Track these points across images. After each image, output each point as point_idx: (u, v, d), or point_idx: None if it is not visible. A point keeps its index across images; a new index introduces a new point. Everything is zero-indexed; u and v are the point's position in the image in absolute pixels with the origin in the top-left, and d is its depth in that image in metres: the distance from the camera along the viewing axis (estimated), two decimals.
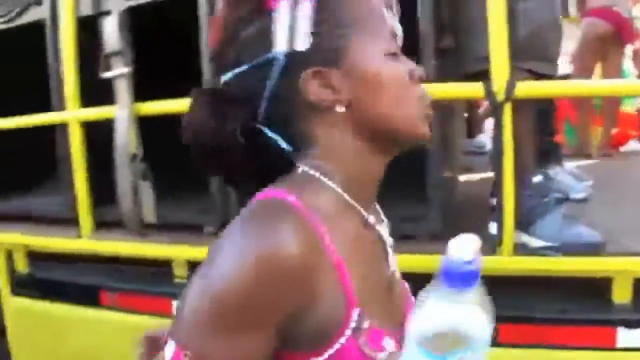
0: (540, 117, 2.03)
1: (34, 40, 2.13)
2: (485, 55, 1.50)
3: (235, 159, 0.70)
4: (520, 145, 1.56)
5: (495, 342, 1.49)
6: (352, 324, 0.63)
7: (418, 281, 1.53)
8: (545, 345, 1.50)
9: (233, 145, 0.68)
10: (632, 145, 3.86)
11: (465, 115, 3.12)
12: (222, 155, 0.69)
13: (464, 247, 0.55)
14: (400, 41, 0.72)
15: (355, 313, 0.63)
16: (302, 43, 0.66)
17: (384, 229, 0.76)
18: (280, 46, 0.67)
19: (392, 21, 0.72)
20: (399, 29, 0.72)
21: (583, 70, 3.48)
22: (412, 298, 0.81)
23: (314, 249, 0.61)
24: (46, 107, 2.13)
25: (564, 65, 4.45)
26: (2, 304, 2.29)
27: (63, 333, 2.09)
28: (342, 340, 0.62)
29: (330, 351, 0.62)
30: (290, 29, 0.66)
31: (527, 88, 1.50)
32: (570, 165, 2.40)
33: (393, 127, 0.69)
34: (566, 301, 1.55)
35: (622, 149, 3.78)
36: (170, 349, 0.60)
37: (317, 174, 0.68)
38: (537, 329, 1.52)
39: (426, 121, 0.71)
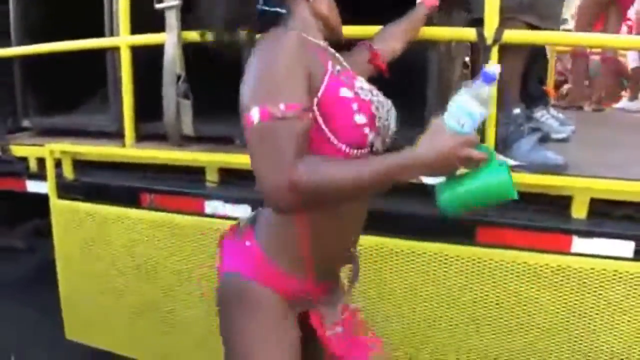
0: (531, 64, 2.35)
1: None
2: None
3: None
4: (506, 83, 1.87)
5: (474, 242, 1.85)
6: (330, 68, 1.13)
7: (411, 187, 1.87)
8: (514, 247, 1.82)
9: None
10: (623, 103, 4.15)
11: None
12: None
13: (495, 67, 1.05)
14: None
15: (329, 64, 1.14)
16: None
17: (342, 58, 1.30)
18: None
19: None
20: None
21: (582, 28, 3.79)
22: None
23: (305, 40, 1.14)
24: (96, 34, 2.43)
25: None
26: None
27: (104, 231, 2.39)
28: (327, 76, 1.12)
29: (325, 82, 1.11)
30: None
31: (513, 35, 1.80)
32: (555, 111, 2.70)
33: (328, 20, 1.31)
34: (534, 213, 1.88)
35: (614, 105, 4.09)
36: (255, 112, 1.02)
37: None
38: (508, 232, 1.84)
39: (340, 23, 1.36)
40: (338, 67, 1.17)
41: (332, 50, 1.30)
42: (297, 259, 1.23)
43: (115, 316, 2.49)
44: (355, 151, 1.14)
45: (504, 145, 1.89)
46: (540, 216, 1.87)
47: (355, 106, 1.12)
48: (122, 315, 2.47)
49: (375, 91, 1.21)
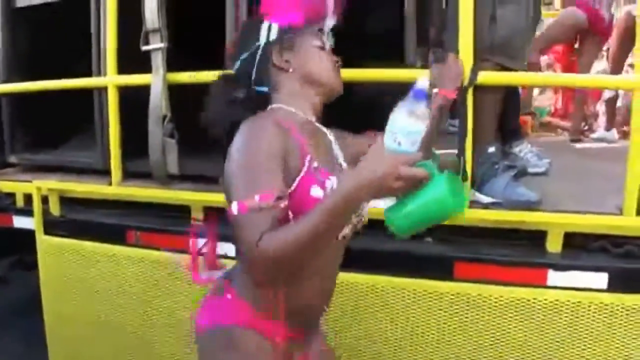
0: (508, 101, 2.43)
1: (77, 13, 2.48)
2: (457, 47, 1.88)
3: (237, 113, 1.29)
4: (482, 123, 1.95)
5: (451, 277, 1.91)
6: (307, 163, 1.19)
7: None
8: (490, 281, 1.88)
9: (237, 103, 1.31)
10: (600, 133, 4.22)
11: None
12: (232, 109, 1.30)
13: (424, 81, 1.07)
14: (328, 40, 1.40)
15: (307, 159, 1.20)
16: (272, 37, 1.32)
17: (329, 132, 1.38)
18: (262, 39, 1.32)
19: (323, 26, 1.40)
20: (328, 35, 1.41)
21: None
22: None
23: (284, 130, 1.19)
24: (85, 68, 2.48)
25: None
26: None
27: (90, 267, 2.43)
28: (303, 172, 1.18)
29: (299, 177, 1.17)
30: (267, 30, 1.32)
31: (486, 77, 1.87)
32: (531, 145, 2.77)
33: (317, 79, 1.33)
34: (510, 247, 1.94)
35: (591, 135, 4.19)
36: (234, 206, 1.10)
37: (282, 105, 1.31)
38: (485, 267, 1.90)
39: (337, 77, 1.36)
40: (315, 164, 1.21)
41: (322, 130, 1.37)
42: (276, 309, 1.27)
43: (100, 354, 2.51)
44: None
45: (480, 183, 1.96)
46: (516, 251, 1.93)
47: None
48: (108, 353, 2.49)
49: None
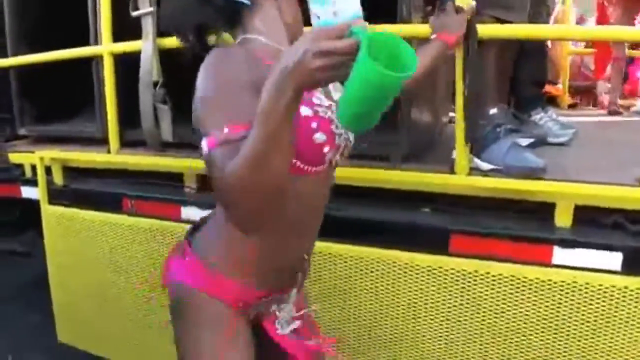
0: (522, 64, 2.26)
1: None
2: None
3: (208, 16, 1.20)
4: (481, 82, 1.79)
5: (446, 252, 1.77)
6: None
7: (390, 194, 1.81)
8: (488, 257, 1.73)
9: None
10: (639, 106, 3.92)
11: None
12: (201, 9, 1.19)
13: None
14: None
15: None
16: None
17: None
18: None
19: None
20: None
21: None
22: None
23: (256, 59, 1.09)
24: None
25: None
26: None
27: (90, 234, 2.42)
28: None
29: None
30: None
31: (484, 30, 1.71)
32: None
33: (286, 17, 1.21)
34: (513, 221, 1.78)
35: (632, 109, 3.89)
36: (204, 144, 0.96)
37: (258, 36, 1.18)
38: (484, 242, 1.74)
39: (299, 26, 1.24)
40: None
41: None
42: (246, 267, 1.22)
43: (101, 320, 2.52)
44: (311, 167, 1.12)
45: (480, 149, 1.80)
46: (520, 225, 1.76)
47: (314, 125, 1.09)
48: (109, 319, 2.49)
49: (334, 106, 1.14)
